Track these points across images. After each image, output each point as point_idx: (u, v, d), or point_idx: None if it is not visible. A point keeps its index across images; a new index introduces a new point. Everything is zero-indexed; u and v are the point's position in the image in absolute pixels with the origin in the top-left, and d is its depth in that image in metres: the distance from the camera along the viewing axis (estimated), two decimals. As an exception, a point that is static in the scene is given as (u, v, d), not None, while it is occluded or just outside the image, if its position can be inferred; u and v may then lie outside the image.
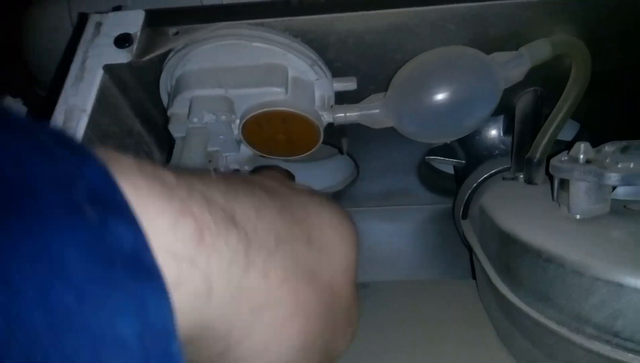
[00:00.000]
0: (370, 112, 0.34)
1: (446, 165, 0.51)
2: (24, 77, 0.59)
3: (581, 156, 0.31)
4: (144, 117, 0.39)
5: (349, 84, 0.37)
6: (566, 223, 0.30)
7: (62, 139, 0.13)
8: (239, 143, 0.37)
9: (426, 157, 0.48)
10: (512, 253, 0.31)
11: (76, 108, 0.30)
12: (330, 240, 0.23)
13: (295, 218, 0.21)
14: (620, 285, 0.24)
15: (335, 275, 0.23)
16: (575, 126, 0.47)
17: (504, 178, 0.40)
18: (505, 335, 0.34)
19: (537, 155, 0.37)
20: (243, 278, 0.17)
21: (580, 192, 0.30)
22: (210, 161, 0.36)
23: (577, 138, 0.47)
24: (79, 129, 0.30)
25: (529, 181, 0.38)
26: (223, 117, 0.33)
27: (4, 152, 0.11)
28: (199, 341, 0.17)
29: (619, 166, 0.30)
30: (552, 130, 0.37)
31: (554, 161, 0.32)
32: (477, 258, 0.37)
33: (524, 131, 0.40)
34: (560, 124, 0.37)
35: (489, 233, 0.35)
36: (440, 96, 0.32)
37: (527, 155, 0.38)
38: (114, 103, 0.35)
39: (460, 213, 0.45)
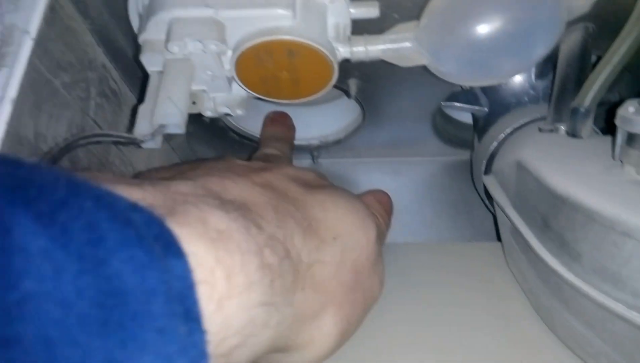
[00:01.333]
0: (400, 46, 0.28)
1: (464, 113, 0.45)
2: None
3: (658, 106, 0.26)
4: (109, 46, 0.31)
5: (369, 10, 0.29)
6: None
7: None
8: (230, 81, 0.29)
9: (443, 103, 0.42)
10: (570, 221, 0.25)
11: (16, 28, 0.22)
12: (351, 226, 0.26)
13: (318, 222, 0.24)
14: None
15: (360, 255, 0.26)
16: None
17: (540, 129, 0.35)
18: (548, 313, 0.30)
19: (586, 104, 0.31)
20: (293, 299, 0.20)
21: (658, 150, 0.25)
22: (194, 103, 0.29)
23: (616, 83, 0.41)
24: (22, 56, 0.22)
25: (574, 133, 0.33)
26: (212, 46, 0.25)
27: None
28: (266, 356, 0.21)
29: None
30: (606, 75, 0.30)
31: (621, 112, 0.26)
32: (510, 221, 0.32)
33: (569, 75, 0.34)
34: (616, 68, 0.30)
35: (533, 195, 0.29)
36: (489, 28, 0.25)
37: (573, 104, 0.32)
38: (69, 26, 0.27)
39: (483, 167, 0.39)
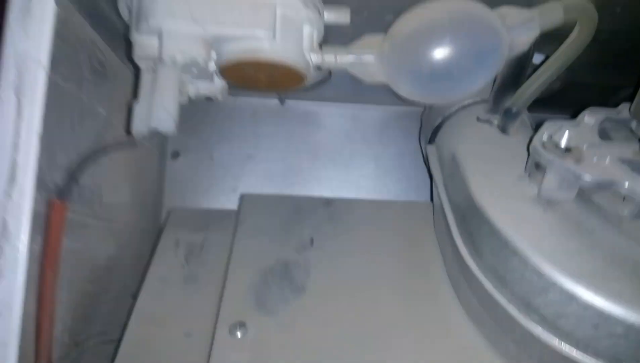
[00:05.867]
0: (365, 60, 0.31)
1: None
2: None
3: (563, 143, 0.32)
4: (94, 17, 0.32)
5: (341, 16, 0.32)
6: (535, 211, 0.31)
7: None
8: (212, 74, 0.33)
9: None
10: (479, 227, 0.33)
11: (29, 58, 0.24)
12: None
13: None
14: (572, 296, 0.27)
15: None
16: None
17: (478, 119, 0.40)
18: (455, 283, 0.37)
19: (518, 106, 0.37)
20: None
21: (554, 182, 0.31)
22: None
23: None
24: (37, 92, 0.24)
25: (503, 130, 0.39)
26: (200, 60, 0.29)
27: None
28: None
29: (595, 159, 0.31)
30: (538, 84, 0.36)
31: (535, 143, 0.32)
32: (438, 196, 0.39)
33: (510, 74, 0.39)
34: (547, 80, 0.36)
35: (459, 190, 0.36)
36: (439, 58, 0.29)
37: (507, 104, 0.37)
38: (66, 19, 0.29)
39: (428, 136, 0.45)
